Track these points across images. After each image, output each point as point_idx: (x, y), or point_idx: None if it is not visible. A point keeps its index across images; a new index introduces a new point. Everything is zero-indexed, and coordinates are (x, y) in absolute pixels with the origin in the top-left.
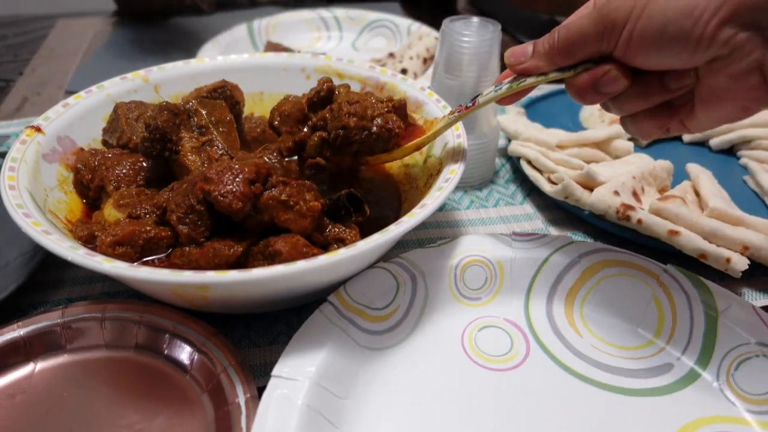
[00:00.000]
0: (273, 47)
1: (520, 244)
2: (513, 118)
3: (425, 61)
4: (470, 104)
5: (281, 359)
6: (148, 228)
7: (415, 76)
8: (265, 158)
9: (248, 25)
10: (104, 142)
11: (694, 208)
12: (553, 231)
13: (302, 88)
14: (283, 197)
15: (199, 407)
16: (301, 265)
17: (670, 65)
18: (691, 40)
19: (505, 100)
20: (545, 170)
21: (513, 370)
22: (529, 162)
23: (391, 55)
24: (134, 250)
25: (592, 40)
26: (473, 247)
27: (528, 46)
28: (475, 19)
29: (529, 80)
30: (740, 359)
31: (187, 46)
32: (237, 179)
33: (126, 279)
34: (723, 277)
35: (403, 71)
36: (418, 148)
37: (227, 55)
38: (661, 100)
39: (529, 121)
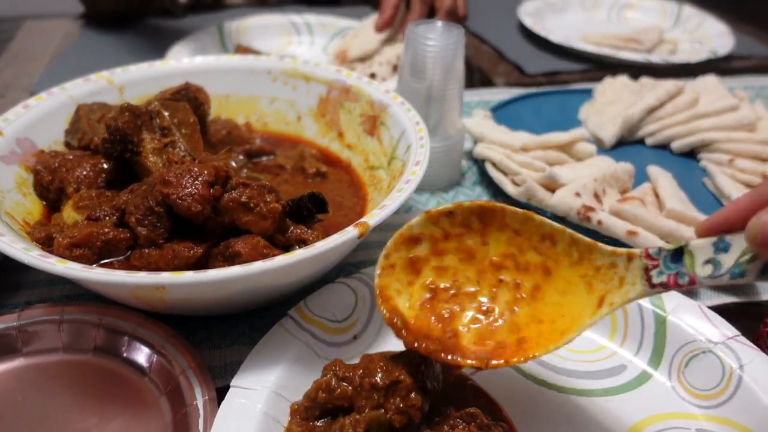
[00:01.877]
0: (243, 51)
1: None
2: (479, 121)
3: (395, 67)
4: (687, 282)
5: (240, 370)
6: (106, 230)
7: (384, 81)
8: (232, 161)
9: (218, 27)
10: (66, 144)
11: (654, 209)
12: None
13: (268, 90)
14: (243, 199)
15: (156, 410)
16: (257, 265)
17: None
18: None
19: None
20: (509, 172)
21: (471, 377)
22: (494, 164)
23: (362, 60)
24: (92, 252)
25: None
26: None
27: None
28: (439, 23)
29: None
30: (689, 357)
31: (157, 48)
32: (196, 182)
33: (81, 281)
34: None
35: (372, 76)
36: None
37: (196, 57)
38: None
39: (495, 124)
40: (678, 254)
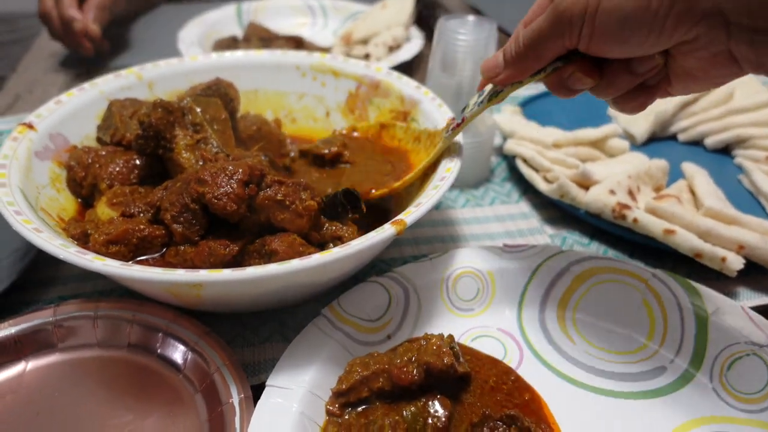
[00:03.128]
0: (254, 29)
1: (511, 255)
2: (509, 116)
3: (390, 48)
4: (460, 121)
5: (275, 370)
6: (141, 227)
7: (378, 60)
8: (261, 157)
9: (237, 6)
10: (98, 140)
11: (690, 207)
12: (549, 230)
13: (297, 86)
14: (279, 197)
15: (192, 407)
16: (295, 264)
17: (635, 54)
18: (652, 32)
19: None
20: (541, 169)
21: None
22: (525, 161)
23: (364, 42)
24: (128, 249)
25: (554, 39)
26: (464, 259)
27: (499, 56)
28: (471, 17)
29: (507, 89)
30: (732, 359)
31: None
32: (231, 181)
33: (118, 277)
34: (719, 277)
35: (366, 56)
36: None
37: (211, 33)
38: (632, 84)
39: (525, 119)
40: (463, 109)
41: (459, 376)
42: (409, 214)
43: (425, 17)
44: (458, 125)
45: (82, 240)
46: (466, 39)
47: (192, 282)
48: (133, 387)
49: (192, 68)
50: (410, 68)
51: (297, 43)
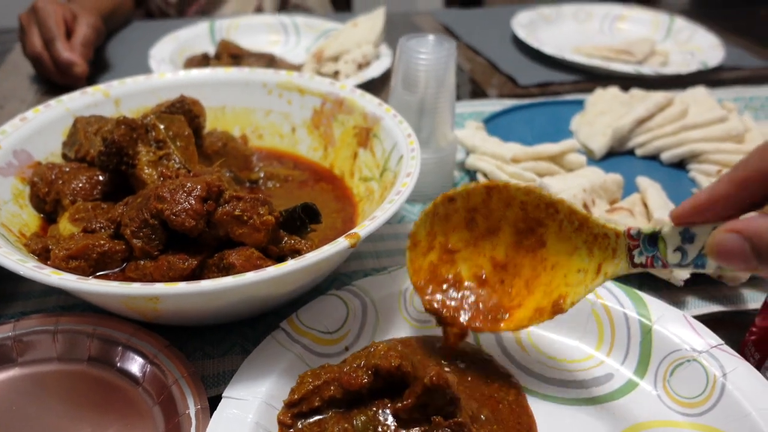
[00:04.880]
0: (225, 46)
1: None
2: (471, 132)
3: (360, 66)
4: (652, 260)
5: (232, 381)
6: (102, 242)
7: (347, 77)
8: (226, 172)
9: (210, 24)
10: (63, 156)
11: (642, 219)
12: None
13: (264, 102)
14: (237, 212)
15: (149, 419)
16: (249, 276)
17: None
18: None
19: None
20: None
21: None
22: (485, 175)
23: (335, 59)
24: (88, 264)
25: None
26: None
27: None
28: (431, 37)
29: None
30: (674, 365)
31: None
32: (189, 197)
33: (76, 292)
34: (668, 286)
35: (336, 73)
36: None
37: (183, 49)
38: None
39: (487, 135)
40: (653, 239)
41: (407, 377)
42: (364, 228)
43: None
44: (655, 266)
45: (44, 255)
46: (427, 57)
47: (148, 295)
48: (92, 400)
49: (159, 85)
50: (380, 85)
51: (269, 60)
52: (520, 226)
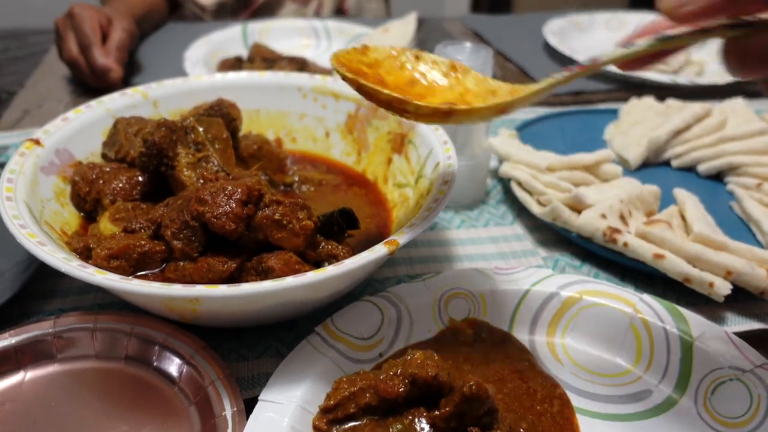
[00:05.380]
0: (258, 49)
1: (502, 278)
2: (505, 140)
3: None
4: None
5: (268, 384)
6: (142, 242)
7: None
8: (261, 176)
9: (243, 27)
10: (103, 156)
11: (680, 232)
12: (542, 252)
13: (298, 106)
14: (277, 216)
15: (185, 419)
16: (289, 281)
17: None
18: None
19: (635, 63)
20: (535, 192)
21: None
22: (519, 183)
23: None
24: (128, 264)
25: None
26: (456, 281)
27: None
28: (468, 44)
29: (683, 36)
30: (716, 384)
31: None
32: (230, 201)
33: (118, 291)
34: (707, 301)
35: None
36: (501, 111)
37: (216, 51)
38: None
39: (520, 143)
40: None
41: (443, 387)
42: (402, 235)
43: (426, 42)
44: (581, 68)
45: (84, 254)
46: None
47: (189, 297)
48: (128, 398)
49: (196, 88)
50: None
51: (300, 64)
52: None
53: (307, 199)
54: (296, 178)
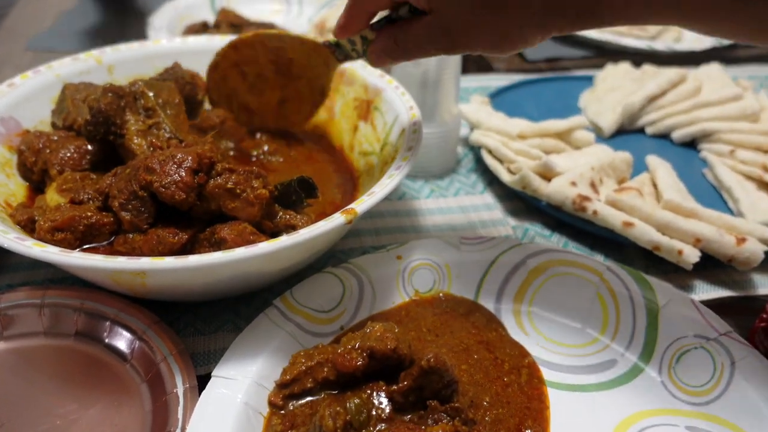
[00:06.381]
0: (225, 14)
1: (468, 248)
2: (476, 107)
3: None
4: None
5: (222, 360)
6: (89, 214)
7: None
8: (229, 143)
9: None
10: (53, 124)
11: (651, 200)
12: (512, 221)
13: None
14: (229, 185)
15: (137, 397)
16: (239, 252)
17: None
18: None
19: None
20: (505, 160)
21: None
22: (490, 151)
23: None
24: (74, 237)
25: None
26: (421, 251)
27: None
28: None
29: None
30: (680, 352)
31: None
32: (180, 169)
33: (59, 265)
34: (676, 270)
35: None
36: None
37: (183, 17)
38: None
39: (492, 110)
40: (338, 45)
41: (403, 360)
42: (361, 203)
43: None
44: (343, 57)
45: (29, 226)
46: None
47: (134, 270)
48: (78, 376)
49: (155, 52)
50: None
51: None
52: (272, 57)
53: (277, 170)
54: (265, 148)
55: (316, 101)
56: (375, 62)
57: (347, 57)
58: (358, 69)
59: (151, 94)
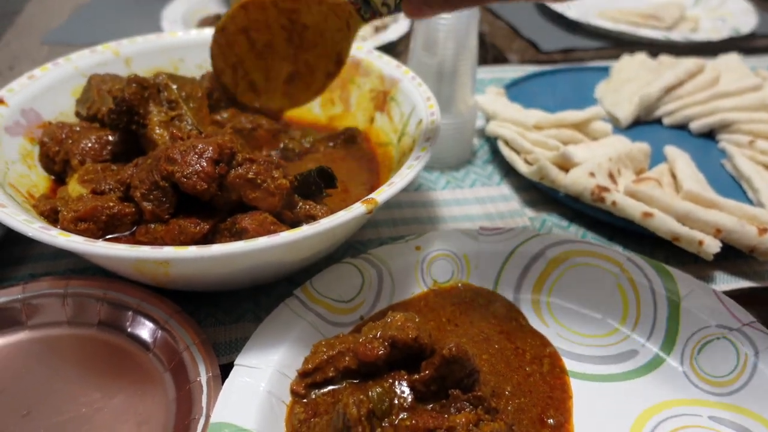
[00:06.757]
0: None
1: (486, 238)
2: (492, 98)
3: (377, 29)
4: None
5: (244, 349)
6: (111, 204)
7: (364, 40)
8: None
9: None
10: (77, 113)
11: (670, 190)
12: (529, 212)
13: None
14: (250, 176)
15: (160, 385)
16: (261, 241)
17: None
18: None
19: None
20: (522, 151)
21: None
22: (507, 142)
23: None
24: (97, 227)
25: None
26: (440, 242)
27: None
28: None
29: None
30: (702, 343)
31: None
32: (201, 159)
33: (83, 254)
34: (696, 260)
35: None
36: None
37: (197, 10)
38: None
39: (508, 101)
40: (366, 1)
41: (424, 349)
42: (381, 193)
43: None
44: (374, 16)
45: (52, 217)
46: (448, 19)
47: (157, 259)
48: (101, 365)
49: (171, 44)
50: (397, 49)
51: None
52: (284, 23)
53: (319, 162)
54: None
55: (330, 72)
56: (412, 13)
57: (375, 13)
58: (375, 60)
59: (174, 86)
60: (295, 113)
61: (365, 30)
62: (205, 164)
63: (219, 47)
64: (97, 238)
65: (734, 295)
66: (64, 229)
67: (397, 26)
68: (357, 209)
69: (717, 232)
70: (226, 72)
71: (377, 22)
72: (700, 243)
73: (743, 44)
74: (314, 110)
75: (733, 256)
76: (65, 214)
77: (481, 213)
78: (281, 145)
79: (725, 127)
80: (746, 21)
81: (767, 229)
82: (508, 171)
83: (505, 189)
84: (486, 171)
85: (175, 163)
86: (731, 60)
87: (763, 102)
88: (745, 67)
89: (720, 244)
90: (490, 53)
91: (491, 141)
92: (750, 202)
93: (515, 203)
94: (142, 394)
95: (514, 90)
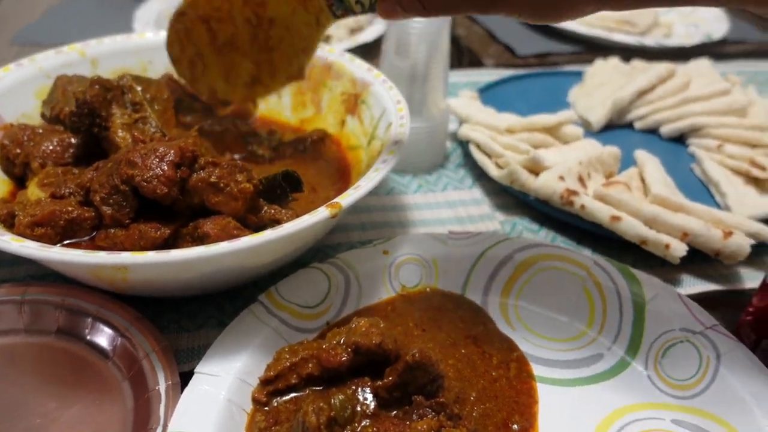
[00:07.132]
0: None
1: (455, 242)
2: (465, 101)
3: (352, 31)
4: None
5: (205, 357)
6: (70, 208)
7: (340, 41)
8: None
9: None
10: (42, 114)
11: (639, 194)
12: (500, 216)
13: None
14: (213, 179)
15: (119, 395)
16: (222, 246)
17: None
18: None
19: None
20: (493, 155)
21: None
22: (478, 146)
23: None
24: (55, 232)
25: None
26: (409, 246)
27: None
28: None
29: None
30: (667, 346)
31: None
32: (162, 163)
33: (39, 260)
34: (663, 264)
35: (327, 37)
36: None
37: (170, 11)
38: None
39: (481, 105)
40: None
41: (389, 355)
42: (346, 197)
43: None
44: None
45: (9, 222)
46: (420, 22)
47: (115, 264)
48: (59, 374)
49: (140, 46)
50: (373, 51)
51: None
52: (249, 15)
53: (289, 166)
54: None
55: (291, 74)
56: (387, 14)
57: (347, 11)
58: (346, 63)
59: (139, 88)
60: (266, 116)
61: (340, 32)
62: (165, 168)
63: (176, 34)
64: (55, 243)
65: (699, 298)
66: (20, 234)
67: (373, 28)
68: (321, 213)
69: (684, 236)
70: (182, 66)
71: (352, 24)
72: (667, 246)
73: (715, 50)
74: (285, 113)
75: (700, 259)
76: (22, 218)
77: (452, 216)
78: (249, 149)
79: (695, 131)
80: (718, 27)
81: (732, 232)
82: (480, 175)
83: (477, 193)
84: (458, 174)
85: (135, 166)
86: (702, 65)
87: (731, 106)
88: (715, 72)
89: (686, 248)
90: (466, 57)
91: (464, 145)
92: (718, 206)
93: (486, 207)
94: (100, 403)
95: (488, 94)
